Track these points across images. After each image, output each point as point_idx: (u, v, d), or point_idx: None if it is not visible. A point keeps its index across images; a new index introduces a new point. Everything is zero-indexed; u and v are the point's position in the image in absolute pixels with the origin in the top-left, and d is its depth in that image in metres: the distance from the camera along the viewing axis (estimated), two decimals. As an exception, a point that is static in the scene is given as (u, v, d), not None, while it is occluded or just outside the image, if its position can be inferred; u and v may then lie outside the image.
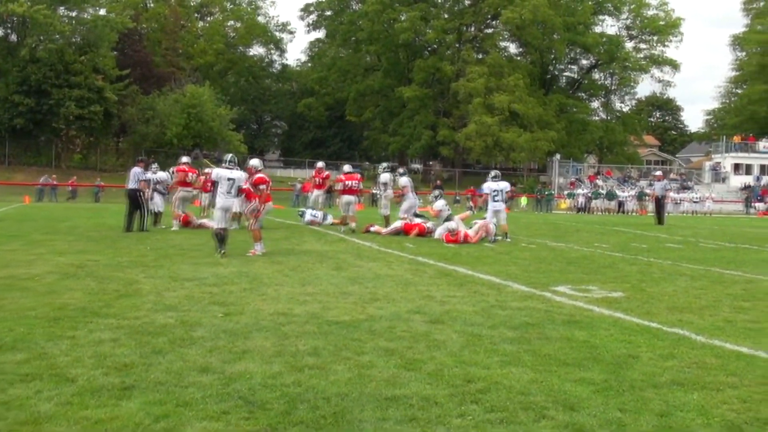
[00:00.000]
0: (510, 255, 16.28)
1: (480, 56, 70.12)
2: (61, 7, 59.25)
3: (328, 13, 76.18)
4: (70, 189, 48.55)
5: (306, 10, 77.59)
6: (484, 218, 20.11)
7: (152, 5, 73.35)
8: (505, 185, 20.16)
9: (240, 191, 15.10)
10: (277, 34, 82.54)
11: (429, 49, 71.91)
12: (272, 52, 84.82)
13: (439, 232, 19.82)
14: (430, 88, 70.12)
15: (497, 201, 19.75)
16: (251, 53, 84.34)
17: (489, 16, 71.37)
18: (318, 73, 79.03)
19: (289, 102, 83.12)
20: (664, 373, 6.20)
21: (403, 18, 67.79)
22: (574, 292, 10.82)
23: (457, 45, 71.33)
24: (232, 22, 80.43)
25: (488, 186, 20.10)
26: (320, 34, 79.43)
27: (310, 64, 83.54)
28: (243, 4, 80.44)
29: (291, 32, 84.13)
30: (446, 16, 70.53)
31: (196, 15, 78.99)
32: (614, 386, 5.75)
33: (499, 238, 19.52)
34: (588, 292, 10.89)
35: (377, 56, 74.72)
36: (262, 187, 15.45)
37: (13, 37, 59.61)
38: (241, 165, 16.56)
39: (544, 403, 5.28)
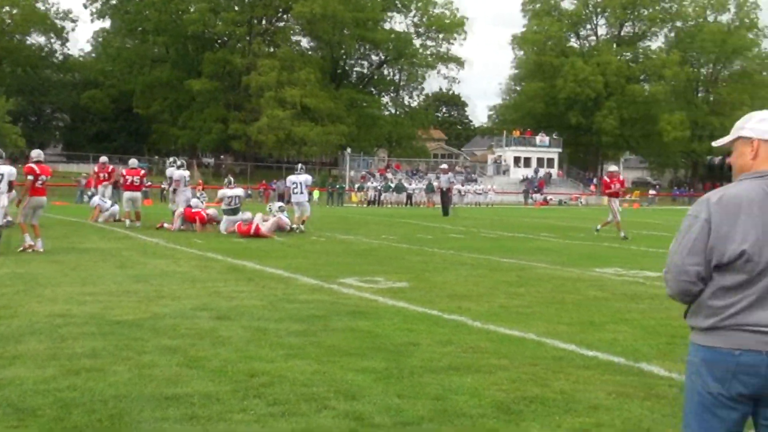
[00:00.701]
0: (299, 248, 16.47)
1: (272, 50, 69.86)
2: None
3: (114, 1, 72.67)
4: None
5: (90, -4, 73.49)
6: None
7: None
8: (306, 178, 21.31)
9: (11, 185, 14.51)
10: (58, 22, 78.15)
11: (219, 41, 70.94)
12: (53, 41, 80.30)
13: (224, 225, 19.80)
14: (221, 81, 69.01)
15: (297, 193, 20.75)
16: (30, 42, 79.43)
17: (280, 10, 71.14)
18: (103, 64, 76.04)
19: (71, 93, 79.24)
20: (441, 358, 6.39)
21: (192, 9, 66.43)
22: (361, 283, 11.02)
23: (247, 38, 70.71)
24: (7, 8, 75.21)
25: (290, 179, 21.38)
26: (106, 23, 76.06)
27: (94, 55, 79.73)
28: None
29: (74, 21, 79.12)
30: (237, 8, 69.60)
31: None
32: (394, 374, 5.86)
33: (296, 227, 20.02)
34: (374, 283, 11.14)
35: (165, 47, 72.63)
36: (30, 177, 14.61)
37: None
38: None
39: (326, 393, 5.33)
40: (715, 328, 2.76)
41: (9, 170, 14.58)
